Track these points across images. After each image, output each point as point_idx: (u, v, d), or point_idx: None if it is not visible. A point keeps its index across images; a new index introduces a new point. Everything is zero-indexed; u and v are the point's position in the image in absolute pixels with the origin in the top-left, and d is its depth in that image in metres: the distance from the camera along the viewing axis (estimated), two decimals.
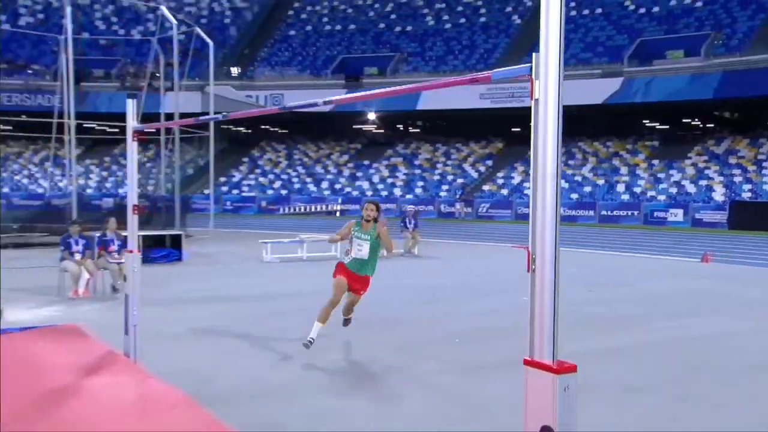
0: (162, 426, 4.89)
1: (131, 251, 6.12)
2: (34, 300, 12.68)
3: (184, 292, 14.12)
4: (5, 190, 44.21)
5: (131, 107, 6.30)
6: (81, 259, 13.62)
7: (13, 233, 23.21)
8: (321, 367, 8.51)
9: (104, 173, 48.70)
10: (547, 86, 2.79)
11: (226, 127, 51.49)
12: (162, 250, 19.04)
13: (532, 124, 2.96)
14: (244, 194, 46.94)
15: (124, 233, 14.42)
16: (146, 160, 43.78)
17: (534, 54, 2.83)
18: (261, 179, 48.19)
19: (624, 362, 8.92)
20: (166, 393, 4.76)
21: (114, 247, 14.23)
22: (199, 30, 30.58)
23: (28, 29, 49.61)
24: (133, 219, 6.12)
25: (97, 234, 14.82)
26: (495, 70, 3.27)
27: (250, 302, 13.24)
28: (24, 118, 39.03)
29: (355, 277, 8.84)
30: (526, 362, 2.59)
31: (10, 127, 41.63)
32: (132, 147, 6.05)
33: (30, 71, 47.51)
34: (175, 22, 27.44)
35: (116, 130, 29.17)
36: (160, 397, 4.65)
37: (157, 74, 34.06)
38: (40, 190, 43.37)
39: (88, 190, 45.99)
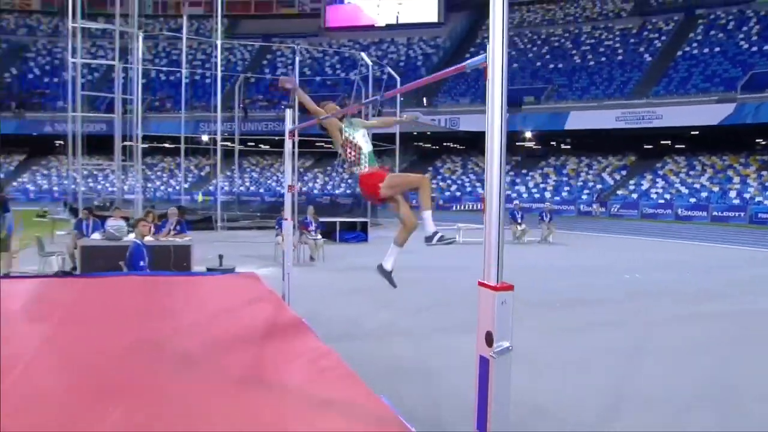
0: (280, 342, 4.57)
1: (287, 219, 6.58)
2: (258, 263, 13.89)
3: (361, 263, 14.84)
4: (256, 189, 47.03)
5: (289, 115, 6.82)
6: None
7: (257, 219, 25.01)
8: (446, 317, 8.89)
9: (326, 178, 50.76)
10: (494, 73, 2.79)
11: (416, 144, 52.59)
12: (353, 233, 19.86)
13: (487, 94, 2.79)
14: None
15: (320, 219, 15.57)
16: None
17: (488, 47, 2.77)
18: (441, 184, 48.98)
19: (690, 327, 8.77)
20: (292, 320, 4.99)
21: (311, 228, 15.16)
22: (389, 69, 31.54)
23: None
24: (288, 196, 6.60)
25: (300, 218, 15.87)
26: (468, 62, 3.16)
27: (404, 272, 13.69)
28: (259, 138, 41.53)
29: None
30: (479, 284, 2.69)
31: (252, 143, 44.70)
32: (288, 144, 6.54)
33: (277, 106, 50.39)
34: (370, 63, 28.44)
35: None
36: (287, 323, 4.85)
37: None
38: (279, 189, 46.20)
39: (314, 191, 48.30)
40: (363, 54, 30.28)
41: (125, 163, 27.78)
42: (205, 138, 37.16)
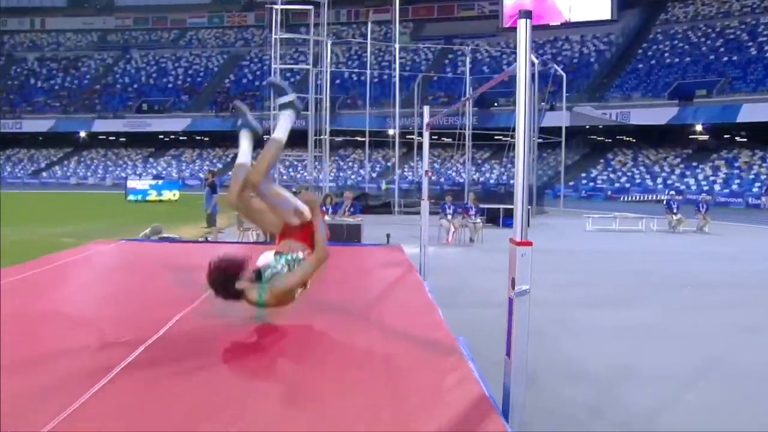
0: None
1: (423, 200, 7.24)
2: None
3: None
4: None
5: (426, 111, 7.45)
6: (451, 219, 15.41)
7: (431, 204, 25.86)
8: (584, 293, 9.22)
9: (502, 169, 50.50)
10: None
11: (590, 137, 51.17)
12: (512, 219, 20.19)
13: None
14: (597, 185, 46.40)
15: (486, 206, 16.14)
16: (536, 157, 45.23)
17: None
18: (611, 175, 47.38)
19: None
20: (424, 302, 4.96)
21: (472, 212, 15.75)
22: (555, 66, 31.31)
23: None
24: (425, 181, 7.25)
25: (462, 203, 16.55)
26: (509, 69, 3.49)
27: (559, 252, 14.05)
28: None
29: None
30: (510, 241, 3.14)
31: (435, 137, 45.64)
32: (426, 135, 7.18)
33: (456, 101, 51.07)
34: (536, 62, 28.39)
35: (508, 138, 30.84)
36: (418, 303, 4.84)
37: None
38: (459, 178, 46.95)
39: (491, 180, 48.60)
40: (531, 55, 30.10)
41: (318, 155, 29.70)
42: (390, 132, 38.62)
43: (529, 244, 2.93)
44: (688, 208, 22.45)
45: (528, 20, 2.93)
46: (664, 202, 21.46)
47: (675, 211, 20.05)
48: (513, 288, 2.94)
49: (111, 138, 66.37)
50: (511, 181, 41.31)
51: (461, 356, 3.38)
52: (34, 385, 2.73)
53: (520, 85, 2.99)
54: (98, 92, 66.24)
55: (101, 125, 62.55)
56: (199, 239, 13.77)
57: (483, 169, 51.98)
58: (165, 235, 12.58)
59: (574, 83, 50.03)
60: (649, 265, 12.45)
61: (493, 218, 19.62)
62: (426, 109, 7.31)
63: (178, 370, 3.01)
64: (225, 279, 3.53)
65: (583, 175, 48.59)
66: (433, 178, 31.17)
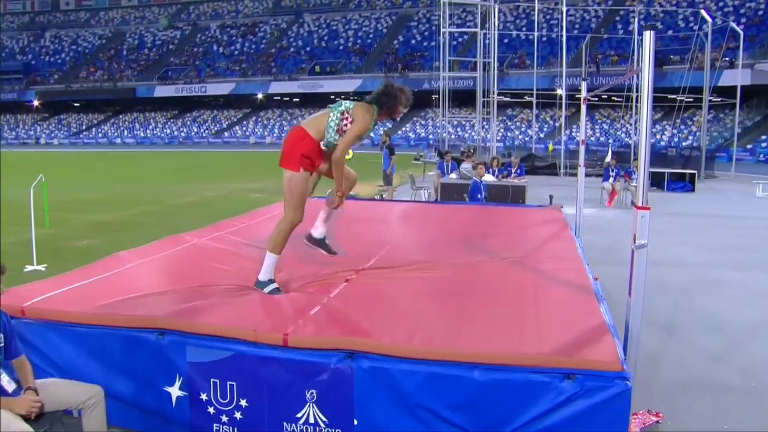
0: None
1: (580, 166, 7.97)
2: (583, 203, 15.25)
3: (678, 209, 15.35)
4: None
5: (584, 86, 8.07)
6: (614, 182, 15.79)
7: (597, 167, 25.78)
8: (731, 256, 9.58)
9: (674, 130, 48.31)
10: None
11: None
12: (681, 183, 19.90)
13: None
14: None
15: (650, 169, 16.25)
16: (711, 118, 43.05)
17: None
18: None
19: None
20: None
21: (635, 176, 15.98)
22: (731, 23, 29.68)
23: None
24: (582, 148, 7.95)
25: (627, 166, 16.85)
26: None
27: (719, 218, 14.14)
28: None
29: None
30: (632, 204, 4.01)
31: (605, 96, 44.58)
32: (584, 107, 7.86)
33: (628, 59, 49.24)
34: (709, 19, 27.13)
35: (690, 99, 29.55)
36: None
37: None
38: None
39: (661, 142, 46.70)
40: (702, 11, 28.69)
41: (485, 116, 30.32)
42: (559, 92, 38.24)
43: (648, 209, 3.73)
44: None
45: (652, 32, 3.68)
46: None
47: None
48: (634, 242, 3.78)
49: (285, 99, 70.70)
50: (683, 143, 39.56)
51: (593, 296, 4.29)
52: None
53: (642, 95, 3.79)
54: (273, 55, 70.51)
55: (277, 87, 66.68)
56: (375, 197, 15.32)
57: (654, 129, 49.89)
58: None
59: (758, 38, 46.45)
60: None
61: (658, 181, 19.50)
62: (584, 85, 7.90)
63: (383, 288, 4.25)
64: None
65: (764, 137, 45.22)
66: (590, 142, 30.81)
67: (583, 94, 7.85)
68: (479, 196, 10.67)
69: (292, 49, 70.75)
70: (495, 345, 3.32)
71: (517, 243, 6.04)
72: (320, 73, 66.14)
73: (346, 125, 4.62)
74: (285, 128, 68.84)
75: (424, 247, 5.63)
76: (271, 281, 4.39)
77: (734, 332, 6.03)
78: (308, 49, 70.10)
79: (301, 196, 4.49)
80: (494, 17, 28.94)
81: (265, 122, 71.18)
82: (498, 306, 4.10)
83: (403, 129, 65.66)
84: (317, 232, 4.87)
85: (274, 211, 7.66)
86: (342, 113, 4.65)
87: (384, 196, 15.05)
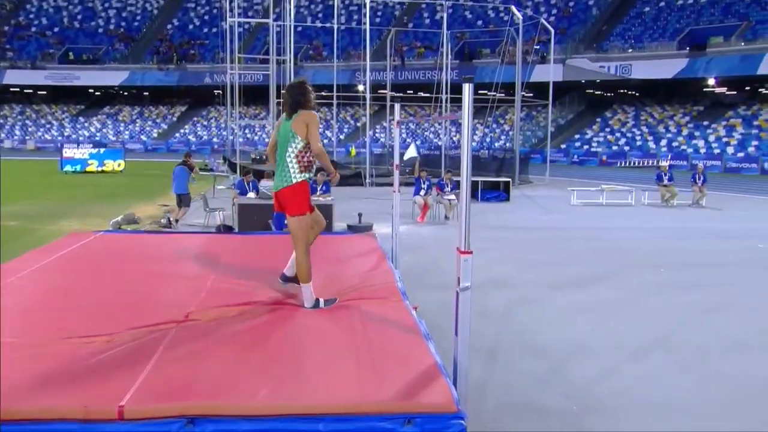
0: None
1: (395, 191, 8.66)
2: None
3: (494, 221, 16.96)
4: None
5: (397, 110, 8.88)
6: (425, 195, 17.00)
7: (406, 175, 27.21)
8: (558, 273, 10.99)
9: (486, 130, 51.77)
10: None
11: (588, 91, 52.83)
12: (494, 192, 21.85)
13: None
14: (592, 149, 48.24)
15: (455, 178, 17.70)
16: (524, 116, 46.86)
17: None
18: (609, 137, 49.10)
19: None
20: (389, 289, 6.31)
21: (446, 189, 17.37)
22: (542, 20, 33.18)
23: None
24: (396, 174, 8.70)
25: (436, 179, 18.20)
26: None
27: (538, 230, 15.84)
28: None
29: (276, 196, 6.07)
30: (457, 250, 4.66)
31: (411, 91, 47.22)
32: (396, 132, 8.66)
33: (435, 52, 52.44)
34: (520, 16, 30.05)
35: (502, 94, 32.41)
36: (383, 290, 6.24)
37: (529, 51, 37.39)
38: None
39: (473, 143, 50.19)
40: (512, 7, 31.65)
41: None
42: (361, 88, 39.76)
43: (470, 253, 4.43)
44: (684, 175, 24.05)
45: (470, 85, 4.43)
46: (655, 175, 22.74)
47: (666, 182, 21.52)
48: (458, 285, 4.49)
49: (27, 91, 66.18)
50: (496, 144, 42.68)
51: (420, 336, 4.99)
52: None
53: (463, 142, 4.54)
54: (6, 35, 65.85)
55: (15, 76, 62.72)
56: (161, 220, 15.25)
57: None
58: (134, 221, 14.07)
59: (569, 31, 51.33)
60: (631, 243, 14.22)
61: (472, 192, 21.15)
62: (397, 108, 8.62)
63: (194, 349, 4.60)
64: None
65: (577, 136, 50.38)
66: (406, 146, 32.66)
67: (397, 115, 8.55)
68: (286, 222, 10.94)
69: (33, 29, 66.62)
70: (336, 394, 3.83)
71: (335, 280, 6.59)
72: (74, 61, 63.03)
73: (299, 147, 5.78)
74: (30, 129, 64.71)
75: (242, 293, 6.01)
76: (317, 300, 5.79)
77: (555, 354, 7.05)
78: (56, 29, 66.43)
79: (306, 227, 5.93)
80: (289, 3, 29.45)
81: (1, 121, 66.19)
82: (331, 352, 4.64)
83: (181, 131, 64.46)
84: (291, 270, 6.11)
85: (50, 255, 7.51)
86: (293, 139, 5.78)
87: (171, 217, 15.04)
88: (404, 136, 54.95)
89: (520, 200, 22.17)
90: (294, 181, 5.77)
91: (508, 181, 22.83)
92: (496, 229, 15.63)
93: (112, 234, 9.53)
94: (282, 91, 6.13)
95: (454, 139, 48.68)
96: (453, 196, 17.32)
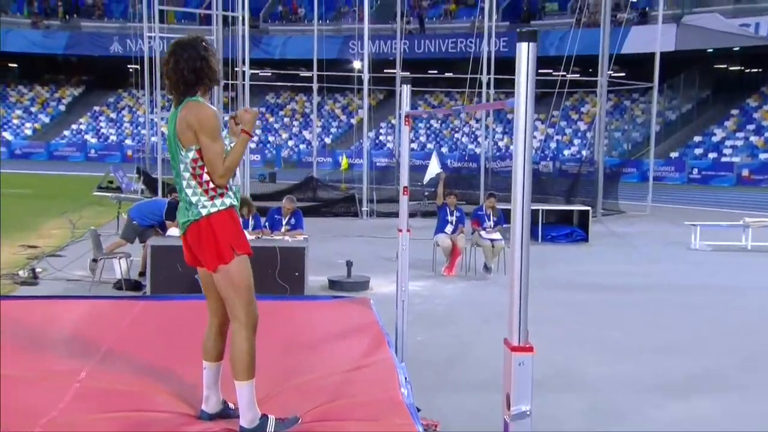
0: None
1: (401, 230, 8.19)
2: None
3: (565, 276, 16.42)
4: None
5: (405, 93, 8.41)
6: (453, 234, 16.56)
7: (423, 200, 26.88)
8: (664, 367, 10.45)
9: (550, 130, 51.06)
10: None
11: (719, 67, 51.84)
12: (564, 227, 21.39)
13: None
14: (724, 158, 47.22)
15: (503, 205, 17.37)
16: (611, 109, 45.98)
17: None
18: (752, 138, 48.13)
19: None
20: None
21: (486, 224, 16.93)
22: None
23: None
24: (403, 200, 8.20)
25: (472, 208, 17.86)
26: None
27: (633, 291, 15.27)
28: None
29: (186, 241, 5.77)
30: (504, 342, 3.98)
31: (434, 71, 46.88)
32: (405, 130, 8.16)
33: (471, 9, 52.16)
34: None
35: (576, 75, 31.55)
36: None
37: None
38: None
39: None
40: None
41: (228, 106, 30.36)
42: (356, 65, 39.20)
43: (530, 350, 3.93)
44: None
45: (532, 46, 3.92)
46: None
47: None
48: (508, 408, 3.96)
49: None
50: (566, 153, 42.62)
51: None
52: None
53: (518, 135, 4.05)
54: None
55: None
56: (20, 272, 14.73)
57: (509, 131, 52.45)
58: None
59: None
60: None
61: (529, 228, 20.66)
62: (406, 91, 8.15)
63: None
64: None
65: (698, 139, 49.29)
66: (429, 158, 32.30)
67: (405, 104, 8.09)
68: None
69: None
70: None
71: (301, 382, 6.15)
72: None
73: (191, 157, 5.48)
74: None
75: (129, 396, 5.63)
76: (264, 418, 5.46)
77: None
78: None
79: (249, 286, 5.58)
80: None
81: None
82: None
83: (74, 128, 64.13)
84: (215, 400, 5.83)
85: None
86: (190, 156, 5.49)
87: (38, 271, 14.88)
88: (423, 139, 54.53)
89: (604, 241, 21.72)
90: (203, 213, 5.46)
91: (587, 211, 22.26)
92: (566, 289, 15.14)
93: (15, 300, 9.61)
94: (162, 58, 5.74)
95: (500, 144, 48.22)
96: (498, 235, 16.81)
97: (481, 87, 30.46)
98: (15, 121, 64.63)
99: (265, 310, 7.91)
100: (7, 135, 63.20)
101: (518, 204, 3.97)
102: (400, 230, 8.03)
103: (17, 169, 45.64)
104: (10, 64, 67.38)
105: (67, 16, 61.76)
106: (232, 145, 5.52)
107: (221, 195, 5.39)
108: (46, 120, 64.99)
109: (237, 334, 5.49)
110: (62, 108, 66.13)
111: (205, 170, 5.38)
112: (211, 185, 5.40)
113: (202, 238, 5.43)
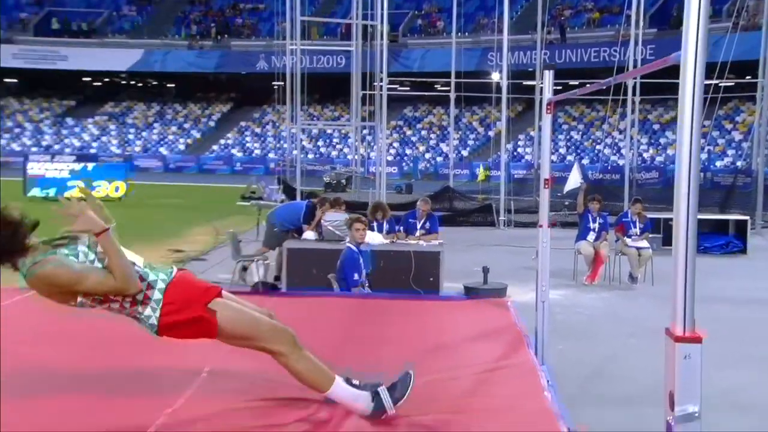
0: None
1: (541, 225, 7.65)
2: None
3: (720, 289, 15.36)
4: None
5: (548, 78, 7.76)
6: (596, 241, 15.87)
7: (564, 211, 26.12)
8: None
9: (702, 140, 49.94)
10: None
11: None
12: (719, 237, 20.42)
13: None
14: None
15: (649, 215, 16.57)
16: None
17: None
18: None
19: None
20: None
21: (632, 230, 16.16)
22: None
23: None
24: (544, 194, 7.65)
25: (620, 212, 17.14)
26: None
27: None
28: None
29: None
30: (666, 332, 3.51)
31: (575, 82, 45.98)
32: (546, 122, 7.58)
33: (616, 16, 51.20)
34: None
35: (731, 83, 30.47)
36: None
37: None
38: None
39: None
40: None
41: (366, 121, 30.16)
42: (495, 77, 38.73)
43: (697, 339, 3.33)
44: None
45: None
46: None
47: None
48: (672, 408, 3.35)
49: None
50: (718, 164, 41.12)
51: None
52: None
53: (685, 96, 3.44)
54: None
55: None
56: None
57: (660, 141, 51.56)
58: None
59: None
60: None
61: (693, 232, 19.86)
62: (548, 75, 7.62)
63: None
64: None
65: None
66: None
67: (547, 91, 7.53)
68: (357, 277, 10.29)
69: None
70: None
71: (435, 383, 5.61)
72: (59, 32, 64.02)
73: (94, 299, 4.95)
74: None
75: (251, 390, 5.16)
76: (375, 395, 5.03)
77: None
78: None
79: (248, 321, 5.12)
80: None
81: None
82: None
83: (222, 142, 65.11)
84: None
85: None
86: None
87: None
88: (563, 151, 53.77)
89: (766, 255, 20.62)
90: (157, 326, 4.96)
91: (744, 221, 21.24)
92: (723, 303, 14.03)
93: None
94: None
95: (645, 156, 47.07)
96: (645, 243, 16.03)
97: (626, 94, 29.37)
98: (170, 137, 65.94)
99: (400, 309, 7.46)
100: (163, 150, 64.69)
101: (682, 201, 3.64)
102: (541, 225, 7.46)
103: (171, 181, 49.04)
104: (167, 84, 69.46)
105: (219, 37, 62.67)
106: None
107: (145, 298, 4.83)
108: (198, 135, 66.10)
109: (286, 365, 5.09)
110: (212, 124, 67.23)
111: (111, 297, 4.82)
112: (128, 299, 4.83)
113: (182, 336, 5.06)
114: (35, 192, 32.98)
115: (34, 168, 34.14)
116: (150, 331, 4.93)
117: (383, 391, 4.96)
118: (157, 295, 4.74)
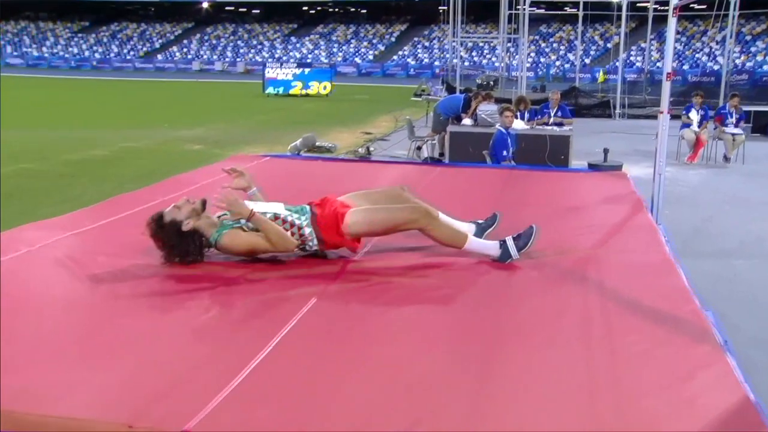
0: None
1: (662, 112, 6.96)
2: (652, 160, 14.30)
3: None
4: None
5: None
6: (698, 128, 15.00)
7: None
8: None
9: None
10: None
11: None
12: None
13: None
14: None
15: (744, 107, 15.55)
16: None
17: None
18: None
19: None
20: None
21: (729, 120, 15.22)
22: None
23: None
24: (665, 85, 6.94)
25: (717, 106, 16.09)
26: None
27: None
28: None
29: None
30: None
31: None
32: (672, 21, 6.77)
33: None
34: None
35: None
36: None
37: None
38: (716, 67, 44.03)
39: (764, 66, 45.67)
40: None
41: (510, 35, 29.31)
42: None
43: None
44: None
45: None
46: None
47: None
48: None
49: (241, 10, 69.02)
50: None
51: (713, 341, 3.26)
52: None
53: None
54: None
55: None
56: (359, 149, 15.24)
57: (751, 49, 48.65)
58: (319, 143, 14.16)
59: None
60: None
61: (763, 126, 18.71)
62: None
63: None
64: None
65: None
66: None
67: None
68: (505, 153, 9.86)
69: None
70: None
71: (569, 236, 5.05)
72: None
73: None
74: (241, 50, 67.30)
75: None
76: (502, 243, 4.48)
77: None
78: None
79: (382, 220, 4.51)
80: None
81: (214, 42, 69.60)
82: (544, 357, 3.07)
83: (400, 53, 64.83)
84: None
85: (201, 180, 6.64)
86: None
87: (371, 149, 14.61)
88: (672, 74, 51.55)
89: None
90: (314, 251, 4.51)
91: None
92: None
93: (286, 158, 9.07)
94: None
95: (737, 62, 44.37)
96: (739, 130, 15.06)
97: (727, 9, 26.83)
98: (362, 50, 66.66)
99: (538, 179, 6.94)
100: (357, 59, 66.00)
101: None
102: (662, 111, 6.92)
103: (362, 82, 51.08)
104: (361, 10, 70.93)
105: None
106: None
107: (302, 238, 4.41)
108: (382, 48, 66.30)
109: (428, 234, 4.50)
110: (393, 39, 67.41)
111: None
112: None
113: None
114: (270, 90, 36.43)
115: (269, 73, 37.20)
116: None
117: (510, 240, 4.47)
118: (306, 230, 4.39)
